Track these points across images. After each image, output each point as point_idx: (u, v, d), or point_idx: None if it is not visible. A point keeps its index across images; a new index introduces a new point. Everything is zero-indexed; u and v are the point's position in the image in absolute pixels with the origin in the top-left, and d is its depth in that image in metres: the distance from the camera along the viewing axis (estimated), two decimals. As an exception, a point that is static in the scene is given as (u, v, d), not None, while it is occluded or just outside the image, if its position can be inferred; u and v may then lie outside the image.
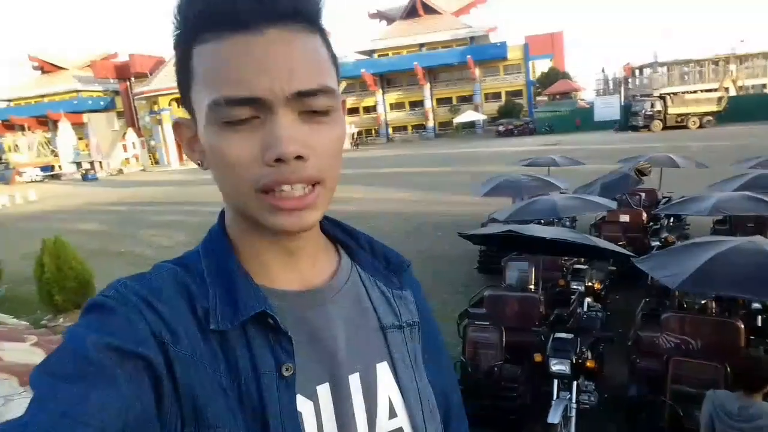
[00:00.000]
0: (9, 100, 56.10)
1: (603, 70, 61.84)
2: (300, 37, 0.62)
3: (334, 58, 0.67)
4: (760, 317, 5.05)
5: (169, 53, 51.23)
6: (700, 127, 33.01)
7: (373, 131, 53.09)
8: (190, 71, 0.63)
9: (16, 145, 48.36)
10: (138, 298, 0.61)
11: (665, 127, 33.45)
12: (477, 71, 46.68)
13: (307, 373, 0.65)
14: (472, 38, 48.19)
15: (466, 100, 48.68)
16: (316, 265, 0.73)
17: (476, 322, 4.51)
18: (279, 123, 0.60)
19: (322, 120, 0.63)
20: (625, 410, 4.30)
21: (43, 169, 46.16)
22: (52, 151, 48.74)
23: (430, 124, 49.42)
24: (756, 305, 5.06)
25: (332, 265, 0.75)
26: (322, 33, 0.66)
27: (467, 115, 45.98)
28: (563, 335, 4.11)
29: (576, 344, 4.06)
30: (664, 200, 9.27)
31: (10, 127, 51.15)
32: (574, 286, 5.89)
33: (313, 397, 0.66)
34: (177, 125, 0.69)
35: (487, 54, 46.46)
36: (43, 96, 53.89)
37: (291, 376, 0.64)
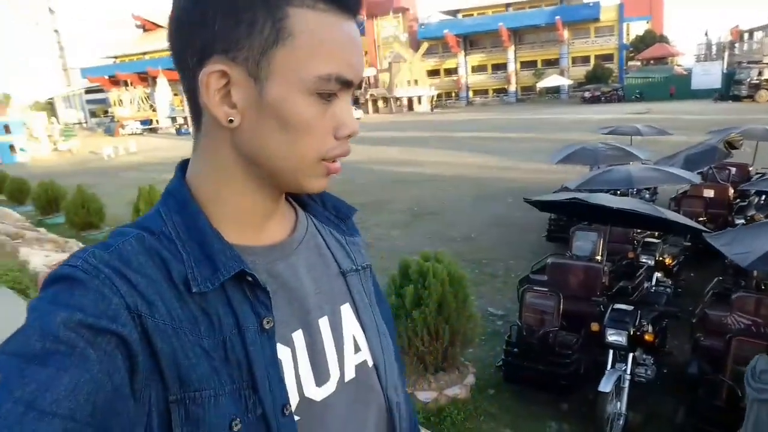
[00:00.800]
0: (115, 57, 59.95)
1: (706, 34, 56.94)
2: None
3: None
4: None
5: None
6: (815, 98, 29.94)
7: (453, 94, 52.25)
8: (281, 28, 0.60)
9: (121, 100, 51.85)
10: (110, 269, 0.58)
11: (773, 98, 30.62)
12: (565, 33, 44.50)
13: (283, 323, 0.68)
14: (563, -2, 45.75)
15: (552, 63, 46.70)
16: (281, 221, 0.76)
17: (534, 288, 4.55)
18: (349, 105, 0.68)
19: None
20: (684, 387, 4.24)
21: (143, 122, 49.32)
22: (151, 106, 51.86)
23: (512, 88, 47.95)
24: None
25: (292, 219, 0.79)
26: None
27: (551, 80, 44.15)
28: (623, 306, 4.07)
29: (635, 316, 4.01)
30: (756, 176, 8.65)
31: (115, 82, 54.77)
32: (644, 260, 5.73)
33: (289, 343, 0.70)
34: (222, 74, 0.61)
35: (577, 15, 44.08)
36: (144, 53, 57.13)
37: (271, 328, 0.66)
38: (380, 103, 52.22)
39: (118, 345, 0.55)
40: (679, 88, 37.55)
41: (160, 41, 55.93)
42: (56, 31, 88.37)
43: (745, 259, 3.40)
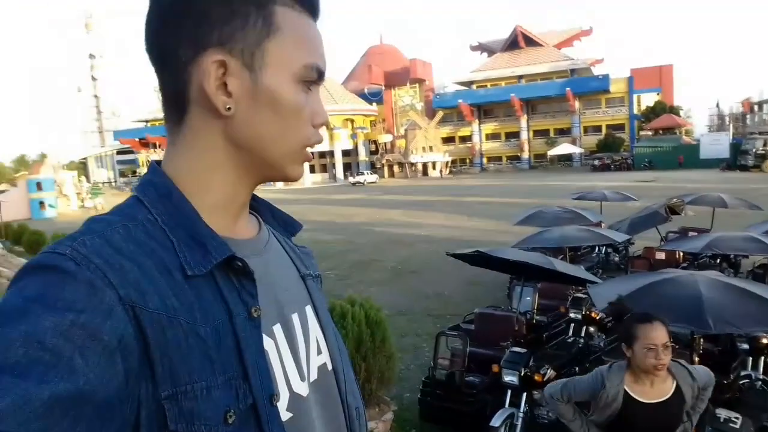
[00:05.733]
0: (146, 121, 63.31)
1: (717, 105, 57.80)
2: None
3: None
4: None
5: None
6: (823, 168, 30.08)
7: (468, 160, 53.50)
8: (270, 23, 0.66)
9: (149, 161, 54.26)
10: (101, 258, 0.56)
11: (780, 168, 30.86)
12: (576, 104, 45.81)
13: (264, 315, 0.68)
14: (573, 70, 47.49)
15: (564, 132, 47.87)
16: (249, 220, 0.79)
17: (447, 332, 4.99)
18: (320, 97, 0.74)
19: None
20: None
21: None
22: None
23: (525, 155, 49.04)
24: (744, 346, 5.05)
25: (256, 222, 0.80)
26: None
27: (562, 148, 45.17)
28: (517, 349, 4.48)
29: (528, 358, 4.40)
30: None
31: (145, 144, 57.65)
32: (572, 314, 6.11)
33: (272, 335, 0.70)
34: (220, 64, 0.65)
35: (587, 87, 45.58)
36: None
37: (258, 318, 0.66)
38: (396, 168, 53.63)
39: (112, 345, 0.52)
40: (688, 157, 38.11)
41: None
42: (96, 96, 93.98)
43: (602, 302, 3.86)
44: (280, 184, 48.26)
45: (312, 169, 54.51)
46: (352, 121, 54.61)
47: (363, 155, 55.50)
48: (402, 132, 53.55)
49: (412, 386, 5.61)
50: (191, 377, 0.58)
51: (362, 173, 48.97)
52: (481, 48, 58.12)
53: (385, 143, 54.79)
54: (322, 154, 55.94)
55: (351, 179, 48.10)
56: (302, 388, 0.72)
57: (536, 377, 4.41)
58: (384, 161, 54.15)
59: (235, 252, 0.66)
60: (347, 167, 54.87)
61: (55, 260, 0.55)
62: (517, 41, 51.50)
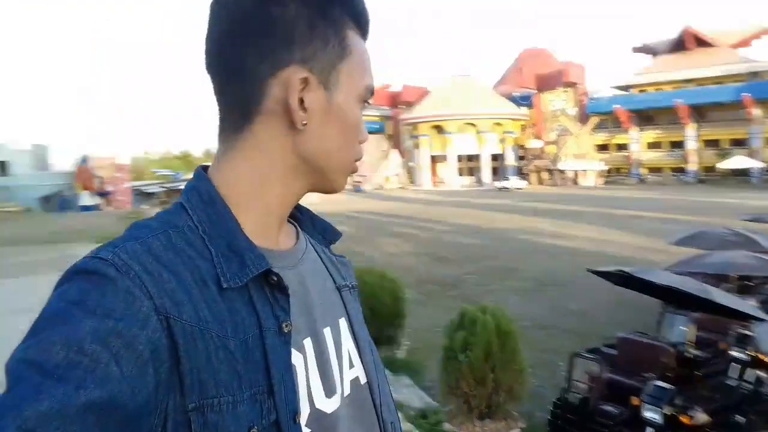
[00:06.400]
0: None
1: None
2: None
3: None
4: None
5: (431, 85, 57.70)
6: None
7: (624, 170, 49.82)
8: (344, 46, 0.70)
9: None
10: (140, 266, 0.57)
11: None
12: (756, 111, 40.39)
13: (295, 329, 0.67)
14: (751, 74, 41.91)
15: (739, 143, 42.42)
16: (288, 230, 0.79)
17: (583, 355, 4.74)
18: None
19: None
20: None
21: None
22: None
23: (692, 167, 44.38)
24: None
25: (293, 231, 0.81)
26: None
27: (736, 161, 40.12)
28: (663, 384, 4.12)
29: (674, 395, 4.03)
30: None
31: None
32: (735, 353, 5.43)
33: (301, 350, 0.69)
34: (305, 80, 0.67)
35: (769, 92, 39.91)
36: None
37: (289, 333, 0.66)
38: (544, 175, 51.81)
39: (146, 355, 0.53)
40: None
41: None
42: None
43: (769, 345, 3.41)
44: (427, 186, 49.56)
45: (459, 173, 54.79)
46: (501, 125, 53.86)
47: (511, 160, 54.47)
48: (552, 137, 51.56)
49: (545, 405, 5.41)
50: (218, 390, 0.58)
51: (507, 178, 48.23)
52: (645, 49, 53.62)
53: (533, 148, 53.19)
54: (470, 158, 55.88)
55: (497, 184, 47.52)
56: (327, 405, 0.71)
57: (683, 418, 4.03)
58: (532, 167, 52.54)
59: (271, 265, 0.66)
60: (494, 172, 54.23)
61: (97, 265, 0.56)
62: (684, 42, 46.73)
